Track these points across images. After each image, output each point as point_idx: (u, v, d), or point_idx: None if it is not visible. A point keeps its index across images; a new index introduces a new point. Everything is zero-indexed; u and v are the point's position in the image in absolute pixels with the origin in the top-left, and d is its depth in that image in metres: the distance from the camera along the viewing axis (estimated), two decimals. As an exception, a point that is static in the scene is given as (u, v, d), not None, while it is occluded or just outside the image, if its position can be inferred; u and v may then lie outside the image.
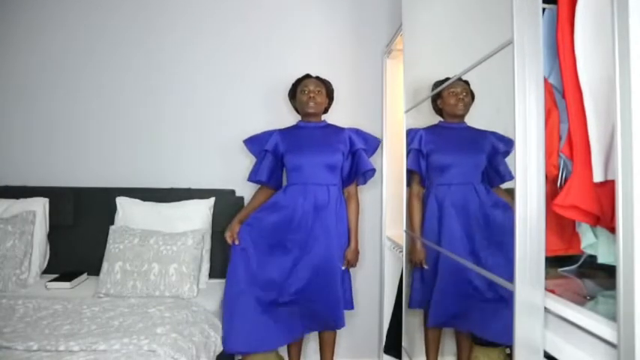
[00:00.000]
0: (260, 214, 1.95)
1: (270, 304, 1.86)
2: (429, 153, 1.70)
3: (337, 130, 2.09)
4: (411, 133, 1.83)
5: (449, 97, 1.50)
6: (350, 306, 1.99)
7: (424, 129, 1.74)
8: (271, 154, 2.05)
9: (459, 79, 1.39)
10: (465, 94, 1.44)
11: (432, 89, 1.61)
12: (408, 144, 1.83)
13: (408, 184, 1.85)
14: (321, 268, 1.91)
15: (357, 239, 2.01)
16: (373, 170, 2.04)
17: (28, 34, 2.42)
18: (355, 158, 2.05)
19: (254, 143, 2.11)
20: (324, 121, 2.12)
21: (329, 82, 2.13)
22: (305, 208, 1.93)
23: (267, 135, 2.09)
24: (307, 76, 2.11)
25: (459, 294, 1.44)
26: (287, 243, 1.93)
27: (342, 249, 1.96)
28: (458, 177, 1.51)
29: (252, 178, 2.06)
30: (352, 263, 1.99)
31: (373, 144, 2.13)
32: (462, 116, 1.48)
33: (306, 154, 1.98)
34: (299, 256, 1.92)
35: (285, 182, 2.07)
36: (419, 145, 1.74)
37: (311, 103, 2.02)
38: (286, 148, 2.02)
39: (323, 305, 1.91)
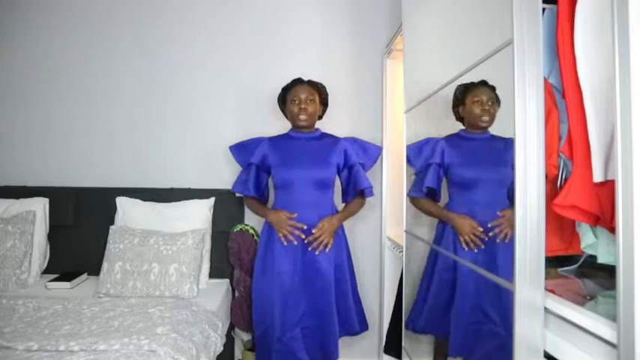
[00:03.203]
0: (265, 256, 1.84)
1: (278, 341, 1.74)
2: (449, 167, 1.49)
3: (332, 140, 1.91)
4: (430, 143, 1.60)
5: (473, 105, 1.32)
6: (365, 327, 1.93)
7: (444, 139, 1.53)
8: (258, 167, 1.89)
9: (485, 83, 1.25)
10: (490, 103, 1.26)
11: (455, 94, 1.44)
12: (427, 156, 1.60)
13: (413, 194, 1.69)
14: (316, 296, 1.79)
15: (339, 219, 1.83)
16: (370, 188, 1.87)
17: (27, 34, 2.41)
18: (352, 174, 1.88)
19: (241, 151, 1.94)
20: (318, 130, 1.95)
21: (322, 86, 1.93)
22: (295, 236, 1.78)
23: (255, 143, 1.93)
24: (298, 82, 1.87)
25: (477, 320, 1.27)
26: (284, 275, 1.77)
27: (339, 275, 1.83)
28: (480, 196, 1.35)
29: (239, 190, 1.90)
30: (319, 235, 1.76)
31: (373, 154, 1.96)
32: (486, 128, 1.32)
33: (296, 168, 1.81)
34: (295, 287, 1.78)
35: (272, 196, 1.98)
36: (440, 159, 1.51)
37: (302, 116, 1.82)
38: (275, 161, 1.85)
39: (320, 335, 1.80)
